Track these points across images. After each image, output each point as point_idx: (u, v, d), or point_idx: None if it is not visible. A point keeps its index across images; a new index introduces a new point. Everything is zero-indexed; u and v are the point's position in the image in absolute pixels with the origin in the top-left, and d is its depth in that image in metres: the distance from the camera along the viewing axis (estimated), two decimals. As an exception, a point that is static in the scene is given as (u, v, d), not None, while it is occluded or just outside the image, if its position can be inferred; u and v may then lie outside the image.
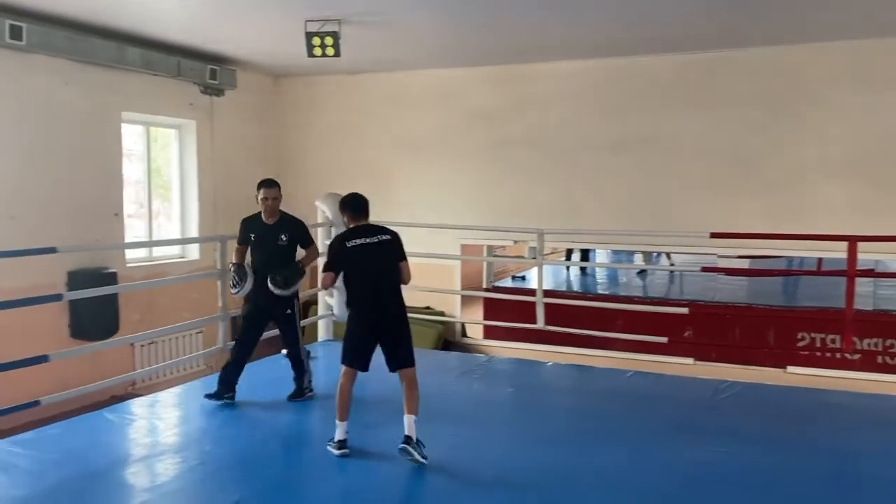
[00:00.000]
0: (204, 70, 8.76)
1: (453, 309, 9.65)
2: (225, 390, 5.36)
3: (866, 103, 7.63)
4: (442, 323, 9.35)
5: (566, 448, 4.62)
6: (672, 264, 12.45)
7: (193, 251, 9.19)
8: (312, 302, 8.75)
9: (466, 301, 10.48)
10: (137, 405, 5.55)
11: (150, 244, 9.10)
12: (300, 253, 5.50)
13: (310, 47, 6.85)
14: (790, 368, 8.02)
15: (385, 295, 4.37)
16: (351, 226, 4.47)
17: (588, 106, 8.81)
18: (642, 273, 13.10)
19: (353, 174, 9.72)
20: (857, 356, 7.81)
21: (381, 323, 4.40)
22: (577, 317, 7.58)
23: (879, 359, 8.06)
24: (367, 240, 4.35)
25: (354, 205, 4.51)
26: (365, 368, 4.45)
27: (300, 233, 5.50)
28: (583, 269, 13.29)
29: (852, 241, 5.68)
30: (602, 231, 8.29)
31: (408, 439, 4.22)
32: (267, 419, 5.14)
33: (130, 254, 8.49)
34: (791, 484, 4.12)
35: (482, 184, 9.29)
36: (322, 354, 6.87)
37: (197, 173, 9.22)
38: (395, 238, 4.45)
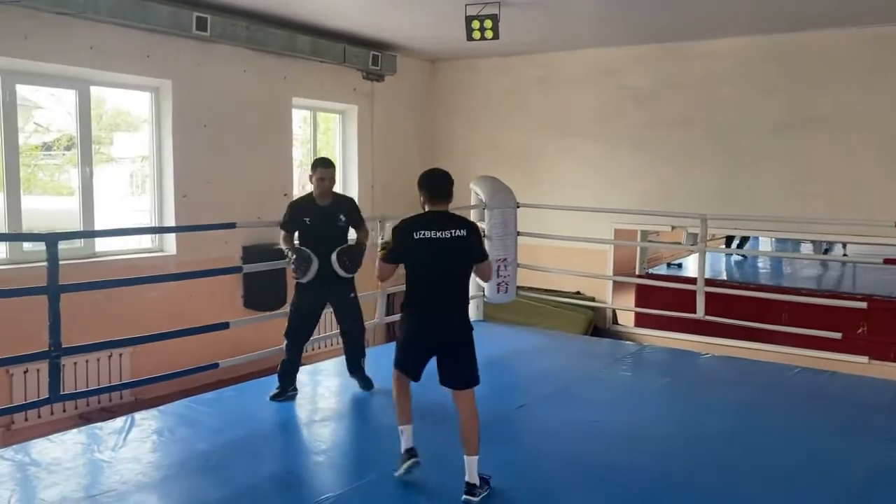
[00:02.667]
0: (367, 56, 9.10)
1: (604, 295, 9.49)
2: (289, 384, 5.18)
3: None
4: (592, 308, 9.22)
5: (723, 444, 4.46)
6: (844, 255, 11.54)
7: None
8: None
9: (619, 287, 10.27)
10: (302, 373, 5.88)
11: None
12: (352, 234, 5.19)
13: (469, 31, 6.92)
14: (981, 373, 7.24)
15: (448, 301, 3.71)
16: (426, 209, 3.75)
17: (750, 84, 8.30)
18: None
19: (504, 156, 9.80)
20: None
21: (437, 333, 3.74)
22: (737, 307, 7.24)
23: None
24: (439, 233, 3.61)
25: (431, 184, 3.74)
26: (416, 378, 3.85)
27: (355, 212, 5.14)
28: (743, 257, 12.63)
29: None
30: (769, 217, 7.84)
31: (469, 488, 3.58)
32: (423, 393, 5.12)
33: (296, 231, 9.00)
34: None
35: (636, 166, 9.03)
36: (475, 334, 6.98)
37: (358, 156, 9.61)
38: (472, 233, 3.71)
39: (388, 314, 6.64)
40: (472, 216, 7.27)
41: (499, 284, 7.01)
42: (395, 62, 9.54)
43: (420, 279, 3.71)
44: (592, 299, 9.37)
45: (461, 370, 3.68)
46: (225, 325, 5.18)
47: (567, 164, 9.56)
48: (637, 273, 10.68)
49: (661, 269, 11.77)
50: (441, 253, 3.61)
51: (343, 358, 5.54)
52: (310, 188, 5.07)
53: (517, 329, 7.45)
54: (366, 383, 5.33)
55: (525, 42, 9.01)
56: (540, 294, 8.51)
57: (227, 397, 5.26)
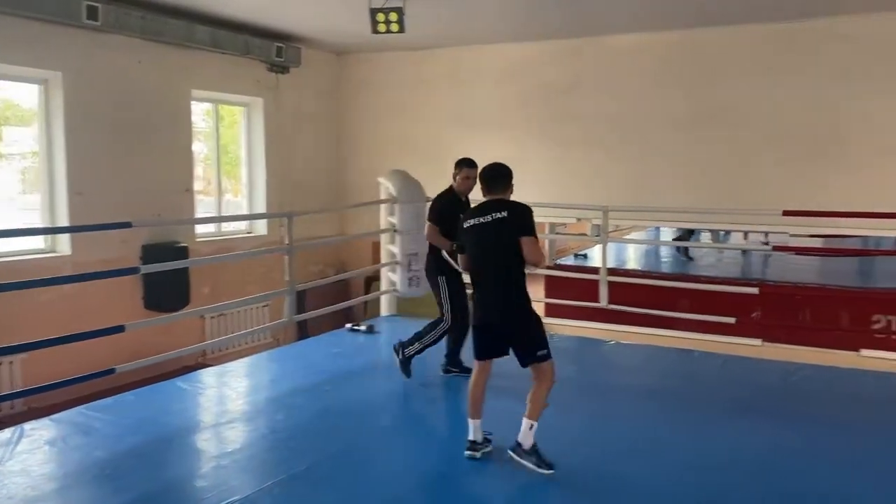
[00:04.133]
0: (270, 48, 8.89)
1: (516, 286, 9.61)
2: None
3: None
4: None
5: (629, 427, 4.58)
6: (766, 242, 12.10)
7: (261, 226, 9.40)
8: (375, 278, 8.86)
9: (528, 278, 10.40)
10: (208, 375, 5.73)
11: (220, 219, 9.35)
12: None
13: (374, 24, 6.86)
14: (864, 352, 7.71)
15: (496, 280, 3.91)
16: (485, 198, 4.02)
17: (656, 80, 8.59)
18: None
19: (415, 150, 9.77)
20: (937, 340, 7.48)
21: (494, 312, 3.93)
22: (642, 296, 7.47)
23: (961, 343, 7.70)
24: (482, 219, 3.90)
25: (483, 176, 4.05)
26: (492, 357, 4.02)
27: None
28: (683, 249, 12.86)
29: (937, 219, 5.42)
30: (668, 208, 8.12)
31: (516, 444, 3.85)
32: (334, 390, 5.24)
33: (200, 229, 8.74)
34: (863, 471, 4.00)
35: (544, 160, 9.19)
36: (384, 329, 6.96)
37: (264, 150, 9.40)
38: (515, 213, 3.86)
39: (298, 312, 6.50)
40: (382, 211, 7.23)
41: (410, 279, 6.99)
42: (299, 54, 9.37)
43: (473, 263, 4.01)
44: (505, 291, 9.48)
45: (528, 342, 3.86)
46: (120, 329, 4.94)
47: (476, 157, 9.53)
48: (546, 264, 10.87)
49: (569, 260, 12.03)
50: (485, 235, 3.88)
51: (249, 359, 5.43)
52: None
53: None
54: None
55: (432, 36, 9.01)
56: (451, 287, 8.52)
57: (126, 403, 5.03)
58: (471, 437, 4.00)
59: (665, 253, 12.89)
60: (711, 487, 3.79)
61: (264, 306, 8.87)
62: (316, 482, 3.80)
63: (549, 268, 10.40)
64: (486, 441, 4.01)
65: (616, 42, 8.70)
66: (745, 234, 12.18)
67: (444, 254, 5.13)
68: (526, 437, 3.82)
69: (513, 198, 4.05)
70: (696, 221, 9.02)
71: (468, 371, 5.01)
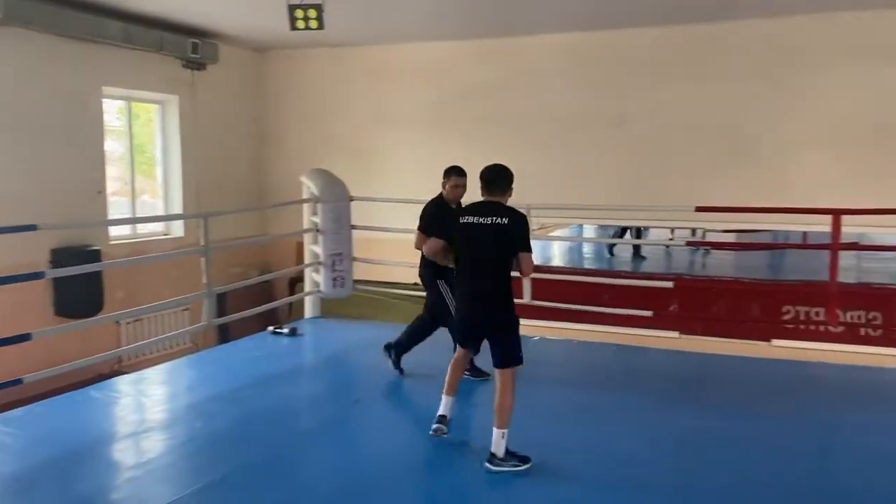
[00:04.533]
0: (185, 44, 8.63)
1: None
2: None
3: (856, 77, 7.63)
4: (429, 299, 9.31)
5: (553, 421, 4.64)
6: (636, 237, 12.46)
7: (178, 228, 9.12)
8: (299, 279, 8.71)
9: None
10: (123, 383, 5.52)
11: (133, 221, 9.02)
12: None
13: (292, 20, 6.73)
14: (775, 341, 8.06)
15: (484, 283, 3.90)
16: (483, 199, 3.99)
17: (578, 80, 8.74)
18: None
19: (339, 149, 9.68)
20: (840, 329, 7.84)
21: (475, 312, 3.99)
22: (565, 292, 7.58)
23: (862, 331, 8.12)
24: (481, 219, 3.85)
25: (483, 176, 4.00)
26: (475, 351, 4.20)
27: None
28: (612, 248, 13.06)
29: (836, 214, 5.69)
30: (587, 206, 8.27)
31: (490, 457, 3.83)
32: (254, 396, 5.12)
33: (114, 231, 8.42)
34: (774, 455, 4.15)
35: (469, 159, 9.11)
36: (308, 332, 6.85)
37: (180, 149, 9.12)
38: (514, 223, 3.84)
39: (220, 315, 6.33)
40: (305, 211, 7.13)
41: (334, 279, 6.91)
42: (216, 51, 9.13)
43: (461, 260, 4.01)
44: (430, 290, 9.47)
45: (501, 348, 3.91)
46: (27, 337, 4.69)
47: (402, 156, 9.60)
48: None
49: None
50: (480, 236, 3.87)
51: (168, 365, 5.25)
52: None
53: (356, 323, 7.37)
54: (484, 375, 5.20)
55: (354, 33, 8.94)
56: (378, 287, 8.46)
57: (36, 414, 4.79)
58: (441, 412, 4.08)
59: (587, 250, 13.16)
60: (633, 475, 3.87)
61: (184, 310, 8.61)
62: (233, 490, 3.70)
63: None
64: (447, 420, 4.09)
65: (539, 42, 8.81)
66: (672, 230, 12.54)
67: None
68: (498, 446, 3.82)
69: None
70: (616, 219, 9.22)
71: (400, 369, 5.18)
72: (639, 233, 12.72)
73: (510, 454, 3.83)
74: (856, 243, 8.61)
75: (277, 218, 9.93)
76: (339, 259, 6.85)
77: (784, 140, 7.96)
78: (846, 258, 10.22)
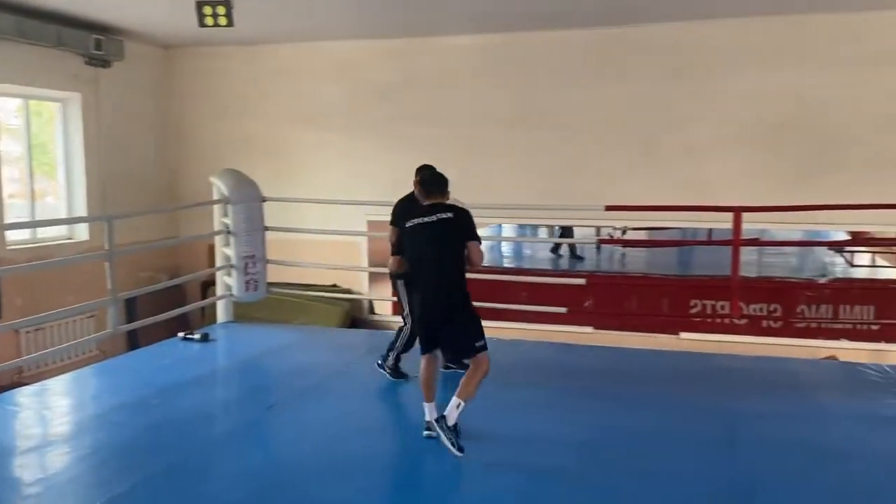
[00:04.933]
0: (87, 40, 8.26)
1: (361, 286, 9.58)
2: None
3: (756, 81, 7.99)
4: (349, 300, 9.26)
5: (471, 417, 4.67)
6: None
7: (82, 231, 8.74)
8: (212, 282, 8.48)
9: (375, 277, 10.40)
10: (24, 394, 5.24)
11: (32, 224, 8.57)
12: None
13: (201, 17, 6.56)
14: (683, 334, 8.39)
15: (440, 280, 4.04)
16: (425, 203, 4.20)
17: (487, 80, 8.83)
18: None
19: (253, 149, 9.48)
20: (744, 321, 8.22)
21: (435, 309, 4.10)
22: (484, 290, 7.65)
23: (764, 323, 8.53)
24: (426, 219, 4.05)
25: (423, 181, 4.33)
26: (436, 348, 4.26)
27: None
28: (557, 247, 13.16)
29: (737, 211, 5.95)
30: (498, 206, 8.36)
31: (439, 417, 3.97)
32: (163, 403, 4.95)
33: (12, 235, 7.98)
34: (683, 443, 4.31)
35: (384, 158, 9.20)
36: (221, 337, 6.68)
37: (83, 149, 8.73)
38: (458, 215, 4.06)
39: (129, 321, 6.10)
40: (216, 212, 6.95)
41: (247, 282, 6.76)
42: (122, 47, 8.79)
43: (414, 262, 4.18)
44: (349, 291, 9.42)
45: (467, 337, 4.04)
46: None
47: (317, 156, 9.49)
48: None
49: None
50: (428, 234, 4.02)
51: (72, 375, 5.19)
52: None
53: (270, 327, 7.24)
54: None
55: (265, 31, 8.78)
56: (294, 289, 8.33)
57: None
58: (427, 419, 4.19)
59: (506, 249, 13.32)
60: (543, 465, 3.95)
61: (89, 317, 8.26)
62: (140, 501, 3.58)
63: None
64: (442, 418, 4.13)
65: (452, 43, 8.87)
66: (598, 229, 12.77)
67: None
68: (452, 413, 3.94)
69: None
70: (528, 218, 9.37)
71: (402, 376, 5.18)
72: (569, 232, 12.97)
73: (456, 430, 3.92)
74: (757, 239, 9.04)
75: (188, 220, 9.65)
76: (252, 261, 6.71)
77: (690, 141, 8.26)
78: (749, 254, 10.73)
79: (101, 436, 4.47)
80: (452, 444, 3.90)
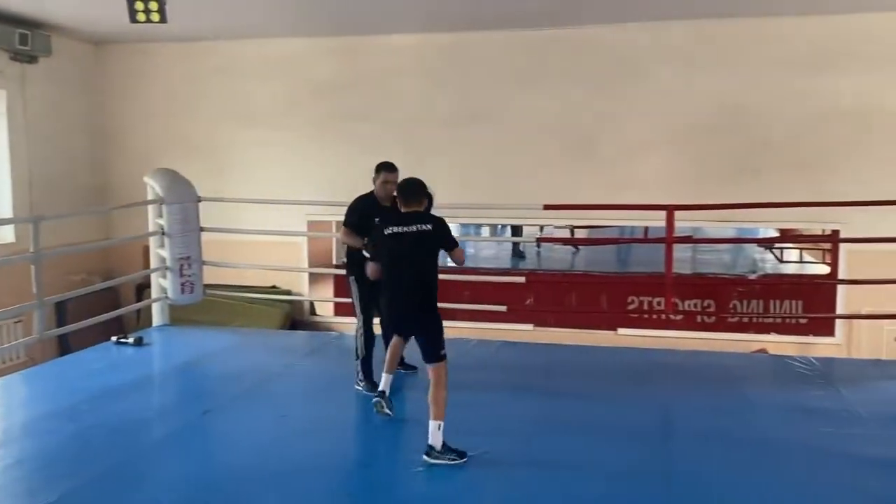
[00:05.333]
0: (12, 34, 7.96)
1: (301, 287, 9.47)
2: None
3: (682, 83, 8.20)
4: (289, 302, 9.15)
5: (413, 419, 4.68)
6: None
7: (8, 233, 8.42)
8: (146, 285, 8.26)
9: (316, 278, 10.32)
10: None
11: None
12: None
13: (132, 12, 6.38)
14: (621, 330, 8.55)
15: (411, 286, 4.15)
16: (402, 210, 4.28)
17: (426, 80, 8.84)
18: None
19: (189, 148, 9.28)
20: (679, 317, 8.43)
21: (400, 318, 4.30)
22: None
23: (699, 318, 8.76)
24: (406, 228, 4.14)
25: (402, 189, 4.36)
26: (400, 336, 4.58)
27: None
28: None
29: (670, 210, 6.10)
30: (439, 205, 8.37)
31: (428, 449, 3.95)
32: (94, 410, 4.79)
33: (-69, 238, 7.65)
34: (617, 435, 4.39)
35: (324, 158, 9.13)
36: (156, 340, 6.52)
37: (9, 148, 8.40)
38: (438, 227, 4.18)
39: (59, 325, 5.89)
40: (150, 212, 6.78)
41: (183, 284, 6.62)
42: (49, 43, 8.49)
43: (388, 268, 4.28)
44: (289, 292, 9.30)
45: (427, 345, 4.17)
46: None
47: (255, 155, 9.34)
48: (334, 263, 10.83)
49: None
50: (406, 244, 4.14)
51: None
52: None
53: (208, 330, 7.09)
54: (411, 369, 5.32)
55: (202, 28, 8.60)
56: (232, 291, 8.20)
57: None
58: (381, 388, 4.54)
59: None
60: (481, 459, 3.98)
61: (16, 322, 7.97)
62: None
63: (336, 266, 10.40)
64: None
65: (391, 42, 8.85)
66: (541, 227, 12.92)
67: (366, 254, 4.78)
68: (435, 437, 3.95)
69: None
70: (470, 217, 9.43)
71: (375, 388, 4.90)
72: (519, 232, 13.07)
73: (447, 448, 3.96)
74: (690, 237, 9.29)
75: (122, 221, 9.38)
76: (188, 263, 6.57)
77: (626, 141, 8.42)
78: (684, 251, 11.03)
79: (27, 444, 4.31)
80: (455, 460, 3.94)
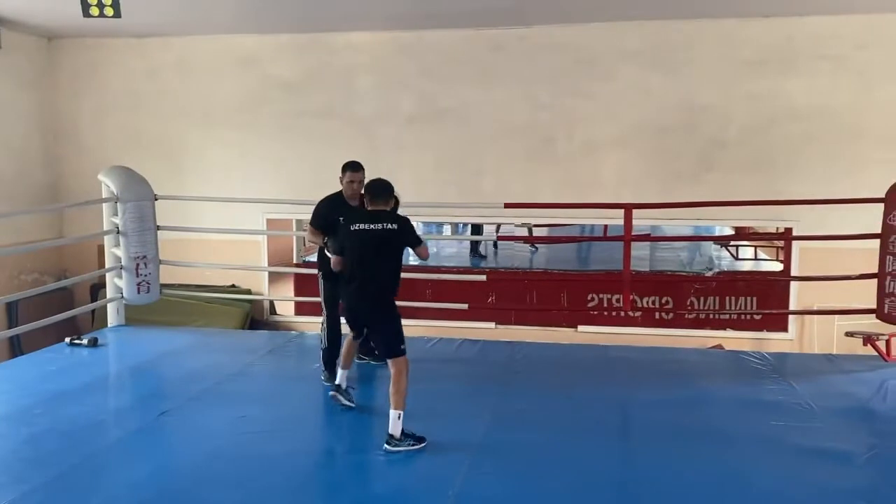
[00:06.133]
0: (-40, 28, 7.74)
1: (260, 286, 9.38)
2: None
3: (641, 84, 8.30)
4: (249, 301, 9.05)
5: (374, 415, 4.68)
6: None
7: (-44, 233, 8.17)
8: (101, 284, 8.10)
9: (276, 277, 10.22)
10: None
11: None
12: None
13: (85, 7, 6.25)
14: (581, 327, 8.65)
15: (371, 283, 4.30)
16: (369, 209, 4.41)
17: (385, 78, 8.81)
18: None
19: (145, 145, 9.12)
20: (638, 314, 8.56)
21: (359, 310, 4.41)
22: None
23: (657, 315, 8.90)
24: (372, 226, 4.28)
25: (368, 189, 4.50)
26: (361, 336, 4.60)
27: None
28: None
29: (627, 208, 6.19)
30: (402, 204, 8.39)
31: (388, 438, 4.09)
32: (47, 413, 4.69)
33: None
34: (576, 429, 4.46)
35: (284, 155, 9.04)
36: (111, 341, 6.39)
37: (-44, 144, 8.18)
38: (402, 226, 4.32)
39: (10, 326, 5.74)
40: (105, 211, 6.65)
41: (139, 284, 6.50)
42: (-1, 37, 8.27)
43: (351, 263, 4.42)
44: (248, 292, 9.21)
45: (383, 341, 4.38)
46: None
47: (214, 153, 9.21)
48: (294, 262, 10.75)
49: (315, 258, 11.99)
50: (369, 241, 4.29)
51: None
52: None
53: (165, 330, 6.98)
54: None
55: (157, 23, 8.46)
56: (191, 291, 8.08)
57: None
58: (337, 382, 4.74)
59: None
60: (442, 457, 4.01)
61: (-33, 324, 7.75)
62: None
63: (297, 265, 10.33)
64: (349, 390, 4.71)
65: (350, 39, 8.80)
66: (498, 226, 12.95)
67: (329, 253, 4.99)
68: (395, 426, 4.09)
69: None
70: (431, 216, 9.43)
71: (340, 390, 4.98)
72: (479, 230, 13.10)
73: (406, 434, 4.10)
74: (648, 235, 9.43)
75: (76, 219, 9.19)
76: (144, 262, 6.46)
77: (586, 140, 8.49)
78: (642, 248, 11.19)
79: (-25, 446, 4.21)
80: (414, 445, 4.08)
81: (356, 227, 4.33)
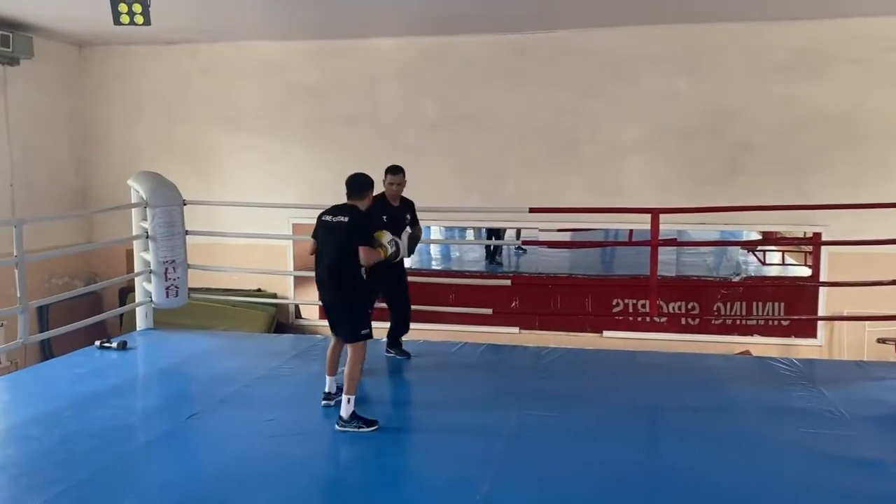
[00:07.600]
0: (-7, 36, 7.90)
1: (286, 290, 9.44)
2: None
3: (664, 87, 8.23)
4: (274, 305, 9.11)
5: (400, 420, 4.70)
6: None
7: (-11, 236, 8.32)
8: (130, 288, 8.21)
9: (301, 281, 10.27)
10: None
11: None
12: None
13: (116, 14, 6.32)
14: (606, 333, 8.59)
15: (330, 272, 4.55)
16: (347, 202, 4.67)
17: (410, 83, 8.83)
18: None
19: (173, 151, 9.24)
20: (664, 319, 8.48)
21: (324, 297, 4.67)
22: (414, 293, 7.67)
23: (683, 321, 8.81)
24: (332, 218, 4.56)
25: (346, 183, 4.70)
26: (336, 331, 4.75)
27: (414, 212, 5.83)
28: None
29: (654, 213, 6.15)
30: (424, 208, 8.39)
31: (338, 419, 4.41)
32: (78, 415, 4.76)
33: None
34: (604, 436, 4.43)
35: (309, 161, 9.10)
36: (140, 345, 6.48)
37: (-10, 150, 8.33)
38: (353, 220, 4.53)
39: (42, 330, 5.84)
40: (134, 216, 6.75)
41: (168, 288, 6.58)
42: (31, 44, 8.40)
43: (318, 252, 4.68)
44: (274, 296, 9.27)
45: (342, 328, 4.61)
46: None
47: (240, 158, 9.30)
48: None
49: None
50: (327, 232, 4.57)
51: None
52: None
53: (193, 334, 7.05)
54: (405, 355, 5.97)
55: (186, 30, 8.57)
56: (217, 295, 8.17)
57: None
58: (326, 390, 4.83)
59: (434, 251, 13.37)
60: (470, 458, 3.98)
61: (-2, 326, 7.88)
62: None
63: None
64: (339, 391, 4.70)
65: (375, 45, 8.84)
66: (518, 231, 12.92)
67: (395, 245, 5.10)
68: (346, 409, 4.39)
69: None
70: (454, 220, 9.42)
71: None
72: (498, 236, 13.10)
73: (356, 417, 4.38)
74: (674, 239, 9.34)
75: (105, 224, 9.32)
76: (173, 267, 6.54)
77: (612, 144, 8.44)
78: (668, 253, 11.08)
79: (9, 451, 4.28)
80: (361, 427, 4.36)
81: (323, 219, 4.63)
